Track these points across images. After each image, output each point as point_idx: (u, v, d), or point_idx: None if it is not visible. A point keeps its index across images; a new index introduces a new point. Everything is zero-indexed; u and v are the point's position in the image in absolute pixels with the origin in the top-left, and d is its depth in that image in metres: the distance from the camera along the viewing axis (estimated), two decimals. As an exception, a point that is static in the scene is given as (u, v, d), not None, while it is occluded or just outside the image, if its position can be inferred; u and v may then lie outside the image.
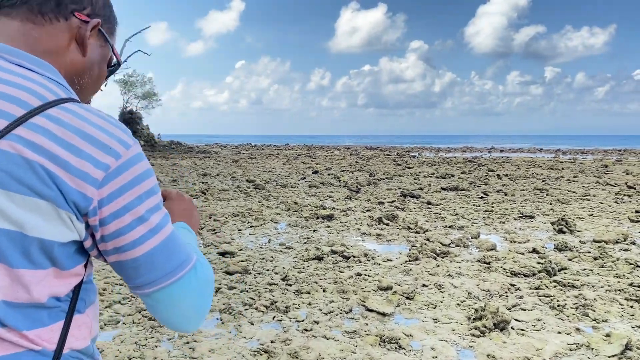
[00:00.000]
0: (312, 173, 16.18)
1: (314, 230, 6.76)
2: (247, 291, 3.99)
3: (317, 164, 21.76)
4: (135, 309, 3.62)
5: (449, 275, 4.67)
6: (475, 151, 43.83)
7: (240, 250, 5.49)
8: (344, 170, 17.50)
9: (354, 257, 5.20)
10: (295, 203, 8.53)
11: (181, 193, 1.07)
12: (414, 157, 29.95)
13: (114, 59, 1.01)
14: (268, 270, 4.67)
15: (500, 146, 55.45)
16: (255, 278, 4.38)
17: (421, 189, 11.74)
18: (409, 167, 19.82)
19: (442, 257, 5.37)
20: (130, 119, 33.51)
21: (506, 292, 4.19)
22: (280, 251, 5.51)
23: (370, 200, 9.70)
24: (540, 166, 21.21)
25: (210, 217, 7.42)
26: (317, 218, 7.53)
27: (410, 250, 5.67)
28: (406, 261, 5.17)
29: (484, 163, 22.97)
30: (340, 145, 58.03)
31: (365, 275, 4.54)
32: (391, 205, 9.02)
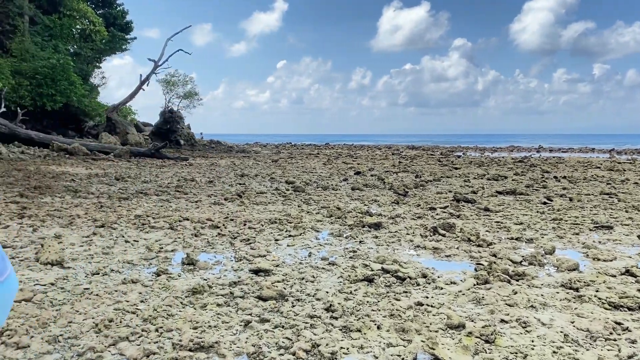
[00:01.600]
0: (354, 174, 15.34)
1: (360, 242, 5.93)
2: (283, 327, 3.21)
3: (358, 164, 20.89)
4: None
5: (532, 306, 3.77)
6: (523, 150, 41.91)
7: (277, 266, 4.73)
8: (387, 171, 16.57)
9: (410, 278, 4.35)
10: (338, 208, 7.72)
11: None
12: (459, 156, 28.66)
13: None
14: (309, 295, 3.89)
15: (549, 145, 53.01)
16: (293, 307, 3.60)
17: (474, 192, 10.73)
18: (456, 168, 18.69)
19: (517, 280, 4.45)
20: (170, 118, 33.47)
21: (611, 334, 3.27)
22: (323, 268, 4.72)
23: (420, 205, 8.79)
24: (598, 167, 19.67)
25: (245, 224, 6.70)
26: (363, 226, 6.70)
27: (476, 270, 4.77)
28: (474, 285, 4.29)
29: (535, 163, 21.54)
30: (381, 144, 56.84)
31: (427, 305, 3.69)
32: (444, 212, 8.09)
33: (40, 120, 27.72)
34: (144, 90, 35.70)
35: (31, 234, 5.70)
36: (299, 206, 8.47)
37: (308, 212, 7.90)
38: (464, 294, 4.02)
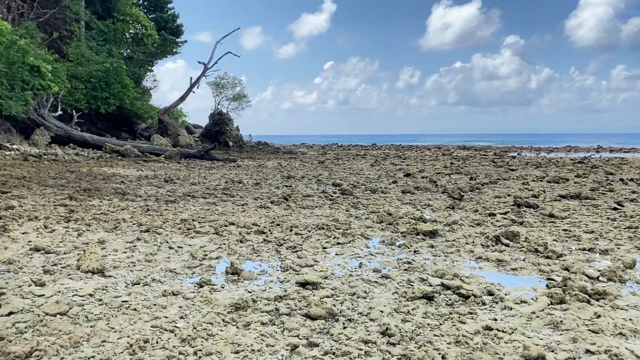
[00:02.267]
0: (404, 176, 14.83)
1: (415, 252, 5.50)
2: (334, 354, 2.85)
3: (407, 165, 20.31)
4: None
5: (621, 334, 3.25)
6: (581, 151, 39.96)
7: (325, 278, 4.38)
8: (439, 173, 15.95)
9: (474, 296, 3.90)
10: (389, 214, 7.30)
11: None
12: (513, 157, 27.54)
13: None
14: (361, 314, 3.51)
15: (608, 145, 50.32)
16: (344, 328, 3.24)
17: (535, 196, 10.03)
18: (512, 169, 17.82)
19: (598, 300, 3.92)
20: (219, 120, 33.82)
21: None
22: (375, 282, 4.33)
23: (477, 210, 8.24)
24: (670, 168, 18.30)
25: (291, 230, 6.40)
26: (417, 234, 6.25)
27: (548, 286, 4.26)
28: (548, 305, 3.79)
29: (596, 164, 20.29)
30: (430, 144, 55.67)
31: (498, 330, 3.24)
32: (505, 218, 7.52)
33: (95, 123, 28.61)
34: (194, 92, 36.31)
35: (75, 239, 5.59)
36: (347, 210, 8.10)
37: (357, 217, 7.51)
38: (538, 317, 3.54)
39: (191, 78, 35.69)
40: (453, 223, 7.03)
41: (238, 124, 36.78)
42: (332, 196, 9.73)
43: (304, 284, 4.11)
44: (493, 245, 5.77)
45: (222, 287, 4.10)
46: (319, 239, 5.96)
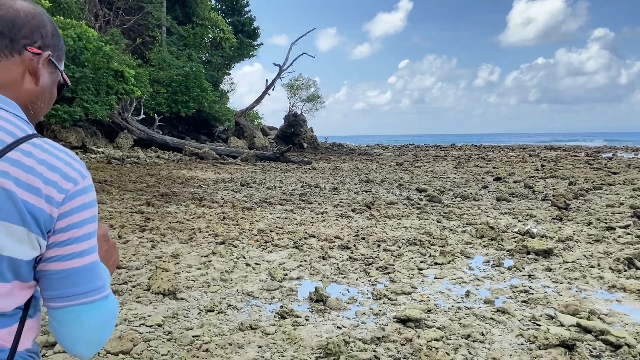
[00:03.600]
0: (494, 180, 13.67)
1: (530, 277, 4.63)
2: None
3: (494, 167, 18.97)
4: None
5: None
6: (686, 151, 36.16)
7: (428, 312, 3.65)
8: (532, 177, 14.61)
9: (628, 346, 3.03)
10: (490, 227, 6.41)
11: (106, 235, 1.13)
12: (610, 158, 25.16)
13: (62, 80, 1.08)
14: (484, 368, 2.76)
15: None
16: (467, 392, 2.50)
17: (656, 206, 8.68)
18: (614, 172, 16.05)
19: None
20: (294, 122, 33.74)
21: None
22: (492, 319, 3.54)
23: (591, 223, 7.13)
24: None
25: (379, 245, 5.70)
26: (528, 253, 5.35)
27: None
28: None
29: None
30: (513, 144, 52.82)
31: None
32: (628, 234, 6.40)
33: (176, 126, 29.36)
34: (269, 94, 36.51)
35: (149, 251, 5.22)
36: (438, 222, 7.28)
37: (451, 229, 6.69)
38: None
39: (267, 80, 35.95)
40: (567, 239, 6.02)
41: (312, 125, 36.61)
42: (419, 204, 8.93)
43: (404, 321, 3.41)
44: (626, 270, 4.77)
45: (307, 320, 3.49)
46: (412, 258, 5.22)
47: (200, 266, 4.77)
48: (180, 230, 6.22)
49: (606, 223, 7.01)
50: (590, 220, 7.27)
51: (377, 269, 4.78)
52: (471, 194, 10.33)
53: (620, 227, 6.74)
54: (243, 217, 7.21)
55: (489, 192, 10.99)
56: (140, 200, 8.59)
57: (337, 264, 4.93)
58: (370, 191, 10.95)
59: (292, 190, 10.94)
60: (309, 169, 18.24)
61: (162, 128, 26.66)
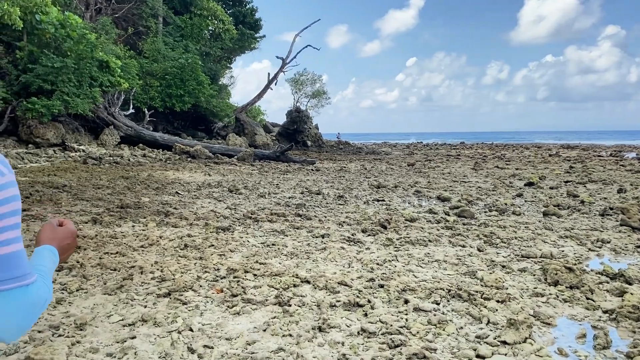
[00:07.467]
0: (525, 185, 11.68)
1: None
2: None
3: (517, 169, 16.97)
4: None
5: None
6: None
7: None
8: (567, 182, 12.59)
9: None
10: (568, 269, 4.40)
11: (53, 223, 1.30)
12: (639, 158, 23.10)
13: None
14: None
15: None
16: None
17: None
18: (660, 176, 14.01)
19: None
20: (297, 118, 31.80)
21: None
22: None
23: (695, 255, 5.15)
24: None
25: (406, 301, 3.73)
26: (638, 319, 3.40)
27: None
28: None
29: None
30: (525, 143, 50.64)
31: None
32: None
33: (171, 122, 27.47)
34: (271, 89, 34.52)
35: (45, 314, 3.31)
36: (480, 250, 5.33)
37: (504, 266, 4.72)
38: None
39: (269, 74, 34.03)
40: (683, 288, 4.06)
41: (317, 122, 34.68)
42: (447, 220, 6.97)
43: None
44: None
45: None
46: (461, 328, 3.27)
47: (114, 351, 2.85)
48: (114, 269, 4.30)
49: None
50: (690, 251, 5.29)
51: (408, 359, 2.84)
52: (506, 204, 8.37)
53: None
54: (212, 245, 5.27)
55: (526, 202, 9.02)
56: (89, 214, 6.69)
57: (342, 345, 3.00)
58: (383, 200, 9.01)
59: (289, 198, 9.02)
60: (312, 170, 16.31)
61: (156, 124, 24.80)
